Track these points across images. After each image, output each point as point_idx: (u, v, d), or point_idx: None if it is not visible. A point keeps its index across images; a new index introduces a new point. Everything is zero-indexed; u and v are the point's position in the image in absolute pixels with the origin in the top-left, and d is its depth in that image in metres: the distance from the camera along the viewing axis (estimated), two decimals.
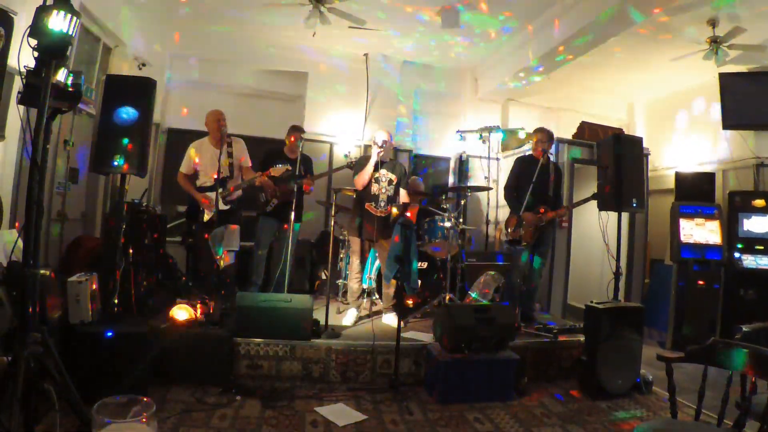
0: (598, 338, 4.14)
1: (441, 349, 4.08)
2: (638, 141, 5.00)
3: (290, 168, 4.97)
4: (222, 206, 4.81)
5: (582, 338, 4.45)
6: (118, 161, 3.69)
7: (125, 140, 3.72)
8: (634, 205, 4.73)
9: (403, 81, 7.97)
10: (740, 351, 2.30)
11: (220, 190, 4.77)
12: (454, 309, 4.20)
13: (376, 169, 4.91)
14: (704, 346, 2.44)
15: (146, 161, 3.85)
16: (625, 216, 5.06)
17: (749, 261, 5.92)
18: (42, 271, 2.36)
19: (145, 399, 1.16)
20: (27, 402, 1.96)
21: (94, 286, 3.69)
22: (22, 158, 4.01)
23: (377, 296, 5.67)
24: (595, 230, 5.19)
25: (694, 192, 6.53)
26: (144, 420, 1.12)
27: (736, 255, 6.01)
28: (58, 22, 2.29)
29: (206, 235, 4.86)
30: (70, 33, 2.33)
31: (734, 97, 6.25)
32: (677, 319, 6.02)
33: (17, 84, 3.24)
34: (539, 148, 5.24)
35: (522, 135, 7.48)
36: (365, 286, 5.47)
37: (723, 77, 6.30)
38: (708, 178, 6.62)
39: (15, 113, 3.17)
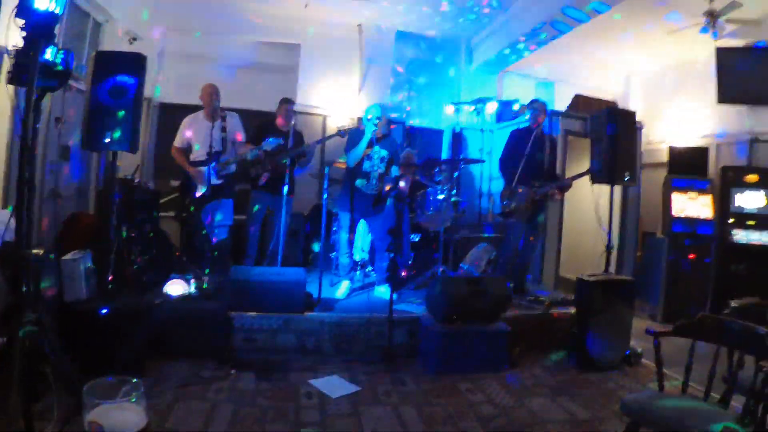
0: (589, 311, 4.20)
1: (434, 320, 4.14)
2: (631, 114, 4.99)
3: (282, 143, 4.95)
4: (214, 180, 4.81)
5: (573, 310, 4.51)
6: (108, 138, 3.65)
7: (121, 113, 3.68)
8: (627, 178, 4.73)
9: (398, 52, 7.86)
10: (727, 326, 2.35)
11: (213, 164, 4.76)
12: (446, 281, 4.25)
13: (369, 146, 4.87)
14: (692, 321, 2.50)
15: (138, 137, 3.82)
16: (617, 189, 5.07)
17: (740, 236, 5.93)
18: (35, 251, 2.37)
19: (134, 380, 1.20)
20: (24, 382, 1.99)
21: (88, 264, 3.71)
22: (13, 137, 3.98)
23: (370, 268, 5.70)
24: (588, 203, 5.21)
25: (688, 166, 6.54)
26: (133, 400, 1.17)
27: (728, 230, 6.04)
28: (45, 1, 2.26)
29: (199, 209, 4.88)
30: (56, 11, 2.30)
31: (730, 71, 6.19)
32: (668, 292, 6.10)
33: (6, 64, 3.19)
34: (538, 119, 5.21)
35: (517, 107, 7.43)
36: (357, 258, 5.49)
37: (720, 52, 6.23)
38: (701, 153, 6.62)
39: (4, 93, 3.13)
